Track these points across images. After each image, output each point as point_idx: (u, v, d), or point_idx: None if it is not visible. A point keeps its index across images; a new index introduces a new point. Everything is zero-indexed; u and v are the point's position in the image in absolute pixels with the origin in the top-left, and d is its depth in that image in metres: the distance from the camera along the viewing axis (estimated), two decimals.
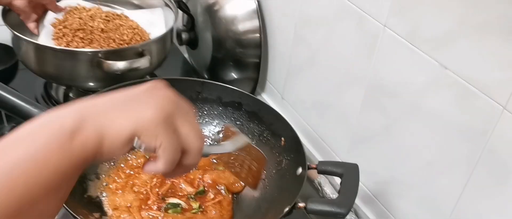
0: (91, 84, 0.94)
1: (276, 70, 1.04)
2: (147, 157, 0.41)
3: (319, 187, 0.88)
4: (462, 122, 0.65)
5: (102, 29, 0.95)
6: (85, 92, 0.99)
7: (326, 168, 0.71)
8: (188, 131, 0.45)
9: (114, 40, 0.94)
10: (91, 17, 0.96)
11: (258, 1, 1.01)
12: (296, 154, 0.75)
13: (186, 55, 1.25)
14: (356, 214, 0.84)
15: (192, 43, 1.12)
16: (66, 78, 0.94)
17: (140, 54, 0.90)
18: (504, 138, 0.60)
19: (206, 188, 0.76)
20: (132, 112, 0.42)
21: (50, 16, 0.96)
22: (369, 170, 0.80)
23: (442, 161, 0.69)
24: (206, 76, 1.12)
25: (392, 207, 0.80)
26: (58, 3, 0.97)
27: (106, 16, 0.98)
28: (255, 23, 1.01)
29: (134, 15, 1.03)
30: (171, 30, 1.00)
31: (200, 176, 0.79)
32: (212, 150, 0.56)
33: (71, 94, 1.03)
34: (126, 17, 1.02)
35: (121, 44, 0.94)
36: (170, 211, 0.72)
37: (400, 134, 0.75)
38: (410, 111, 0.72)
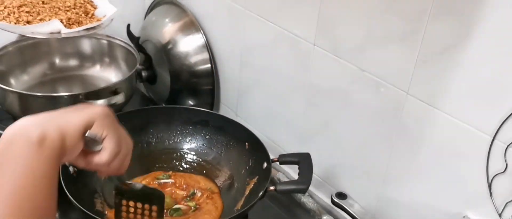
0: None
1: (228, 92, 1.22)
2: (98, 149, 0.54)
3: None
4: (379, 108, 0.86)
5: (43, 1, 0.94)
6: None
7: (285, 159, 0.90)
8: (124, 131, 0.58)
9: (59, 8, 0.94)
10: None
11: (206, 37, 1.19)
12: (259, 153, 0.93)
13: (143, 90, 1.40)
14: (312, 198, 1.03)
15: (151, 79, 1.26)
16: None
17: (115, 92, 1.04)
18: (410, 116, 0.82)
19: (195, 190, 0.92)
20: (83, 111, 0.53)
21: None
22: (316, 160, 1.00)
23: (370, 141, 0.90)
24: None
25: (339, 186, 1.00)
26: None
27: None
28: (205, 55, 1.17)
29: None
30: (136, 70, 1.14)
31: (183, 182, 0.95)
32: None
33: None
34: None
35: (67, 10, 0.94)
36: (175, 214, 0.86)
37: (336, 126, 0.96)
38: (341, 107, 0.93)
